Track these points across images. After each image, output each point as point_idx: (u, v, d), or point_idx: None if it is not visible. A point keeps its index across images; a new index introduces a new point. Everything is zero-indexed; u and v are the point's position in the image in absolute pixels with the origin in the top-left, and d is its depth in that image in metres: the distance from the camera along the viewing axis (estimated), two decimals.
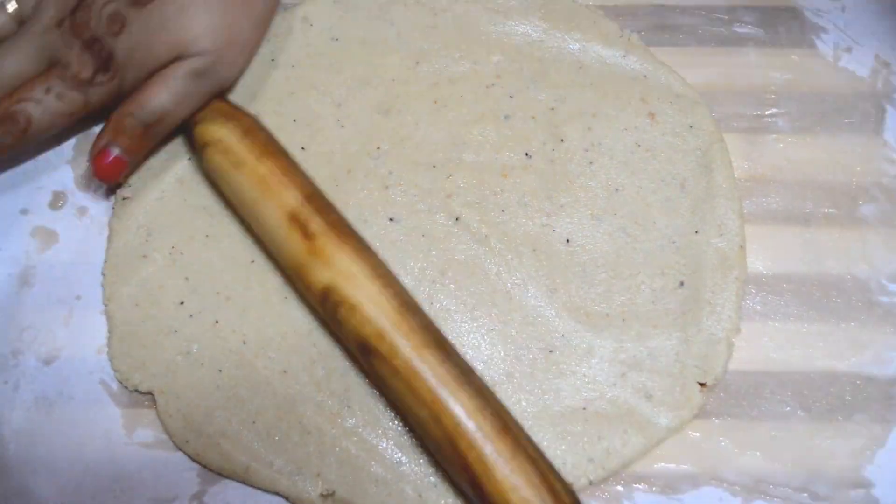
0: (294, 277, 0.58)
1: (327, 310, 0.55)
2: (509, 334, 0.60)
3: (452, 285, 0.61)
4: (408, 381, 0.52)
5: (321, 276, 0.55)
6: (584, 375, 0.58)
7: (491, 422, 0.51)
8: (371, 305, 0.53)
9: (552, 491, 0.50)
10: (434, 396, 0.51)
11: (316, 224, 0.56)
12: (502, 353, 0.59)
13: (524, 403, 0.58)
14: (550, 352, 0.59)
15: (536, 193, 0.63)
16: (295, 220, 0.56)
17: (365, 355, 0.54)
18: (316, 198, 0.58)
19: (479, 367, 0.59)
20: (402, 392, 0.53)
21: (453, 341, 0.59)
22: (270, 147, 0.59)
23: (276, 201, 0.57)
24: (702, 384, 0.58)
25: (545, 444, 0.57)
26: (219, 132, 0.60)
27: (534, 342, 0.59)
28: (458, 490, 0.55)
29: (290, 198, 0.57)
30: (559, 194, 0.63)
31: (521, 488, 0.49)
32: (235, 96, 0.66)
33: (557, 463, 0.56)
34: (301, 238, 0.56)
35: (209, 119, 0.61)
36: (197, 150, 0.61)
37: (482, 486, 0.50)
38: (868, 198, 0.63)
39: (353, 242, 0.56)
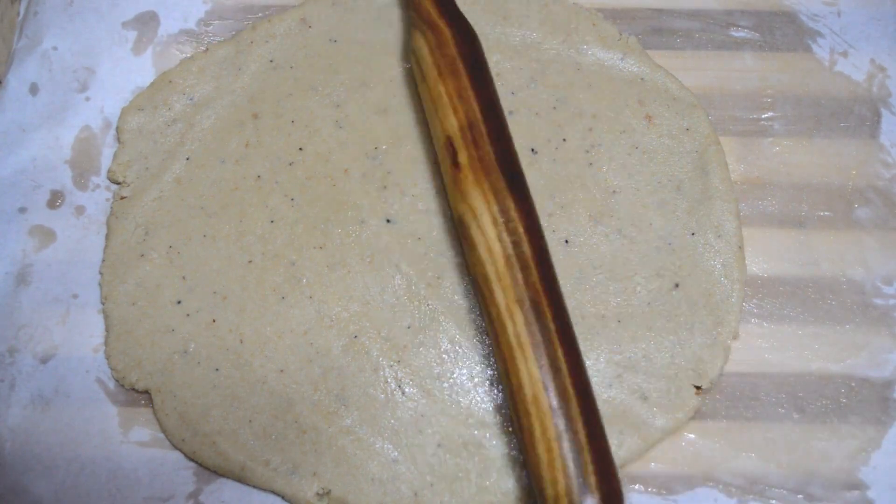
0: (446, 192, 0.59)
1: (459, 236, 0.57)
2: None
3: (449, 289, 0.61)
4: (496, 330, 0.53)
5: (457, 205, 0.56)
6: None
7: (546, 399, 0.50)
8: (484, 249, 0.54)
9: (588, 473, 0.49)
10: (510, 353, 0.52)
11: (464, 156, 0.56)
12: None
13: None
14: None
15: (540, 192, 0.63)
16: (449, 145, 0.57)
17: (476, 290, 0.55)
18: (475, 128, 0.57)
19: (476, 367, 0.59)
20: (493, 337, 0.53)
21: (452, 343, 0.59)
22: (455, 65, 0.59)
23: (441, 123, 0.58)
24: (697, 387, 0.59)
25: None
26: (417, 41, 0.60)
27: None
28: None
29: (451, 124, 0.57)
30: (561, 194, 0.63)
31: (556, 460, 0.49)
32: (235, 97, 0.66)
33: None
34: (450, 164, 0.57)
35: (417, 22, 0.61)
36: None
37: (525, 444, 0.51)
38: (863, 201, 0.63)
39: (492, 182, 0.56)
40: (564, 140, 0.64)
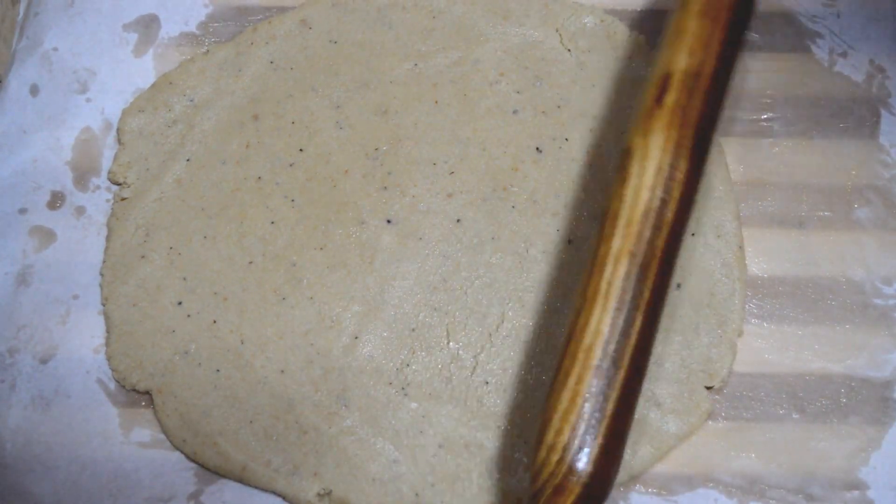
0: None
1: (618, 166, 0.54)
2: (526, 340, 0.60)
3: (457, 290, 0.61)
4: (592, 269, 0.51)
5: (633, 138, 0.54)
6: None
7: (598, 355, 0.49)
8: (632, 188, 0.52)
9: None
10: (593, 296, 0.50)
11: (672, 98, 0.54)
12: (517, 360, 0.59)
13: (537, 411, 0.58)
14: None
15: (545, 190, 0.63)
16: (664, 81, 0.54)
17: (599, 225, 0.53)
18: (700, 79, 0.54)
19: (478, 368, 0.59)
20: (586, 274, 0.52)
21: (454, 344, 0.59)
22: (720, 12, 0.56)
23: (670, 56, 0.55)
24: (708, 388, 0.59)
25: None
26: None
27: (552, 350, 0.59)
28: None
29: (680, 62, 0.55)
30: (565, 193, 0.63)
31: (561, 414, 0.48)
32: (235, 99, 0.66)
33: None
34: (653, 99, 0.54)
35: None
36: None
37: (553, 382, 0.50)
38: (863, 201, 0.64)
39: (681, 136, 0.53)
40: (567, 139, 0.64)
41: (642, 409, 0.58)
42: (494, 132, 0.64)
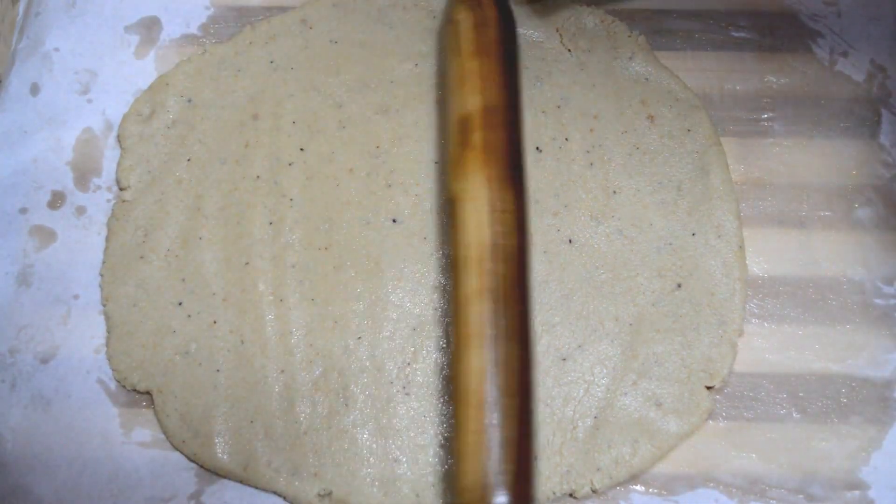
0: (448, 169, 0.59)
1: (449, 213, 0.57)
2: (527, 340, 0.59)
3: None
4: (458, 313, 0.54)
5: (456, 183, 0.56)
6: (597, 384, 0.58)
7: (483, 392, 0.51)
8: (472, 231, 0.54)
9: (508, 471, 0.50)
10: (465, 339, 0.53)
11: (478, 137, 0.57)
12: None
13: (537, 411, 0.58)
14: (564, 360, 0.59)
15: (545, 190, 0.63)
16: (465, 123, 0.57)
17: (451, 270, 0.56)
18: (496, 113, 0.58)
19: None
20: (454, 319, 0.54)
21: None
22: (491, 48, 0.59)
23: (463, 99, 0.58)
24: (708, 387, 0.59)
25: (554, 450, 0.57)
26: (461, 14, 0.61)
27: (551, 350, 0.59)
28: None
29: (474, 103, 0.57)
30: (564, 193, 0.63)
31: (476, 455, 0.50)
32: (235, 98, 0.66)
33: (563, 469, 0.57)
34: (460, 141, 0.57)
35: None
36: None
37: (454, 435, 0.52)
38: (863, 201, 0.64)
39: (498, 169, 0.56)
40: (567, 139, 0.64)
41: (642, 408, 0.58)
42: None
